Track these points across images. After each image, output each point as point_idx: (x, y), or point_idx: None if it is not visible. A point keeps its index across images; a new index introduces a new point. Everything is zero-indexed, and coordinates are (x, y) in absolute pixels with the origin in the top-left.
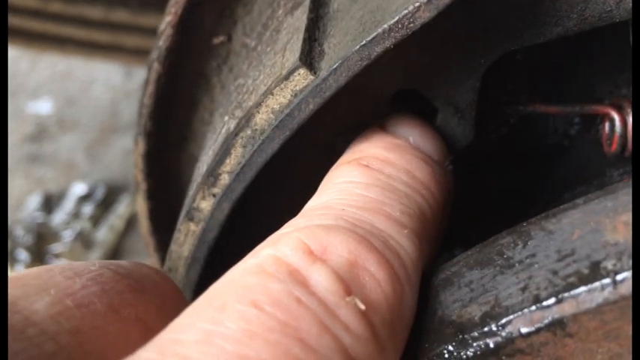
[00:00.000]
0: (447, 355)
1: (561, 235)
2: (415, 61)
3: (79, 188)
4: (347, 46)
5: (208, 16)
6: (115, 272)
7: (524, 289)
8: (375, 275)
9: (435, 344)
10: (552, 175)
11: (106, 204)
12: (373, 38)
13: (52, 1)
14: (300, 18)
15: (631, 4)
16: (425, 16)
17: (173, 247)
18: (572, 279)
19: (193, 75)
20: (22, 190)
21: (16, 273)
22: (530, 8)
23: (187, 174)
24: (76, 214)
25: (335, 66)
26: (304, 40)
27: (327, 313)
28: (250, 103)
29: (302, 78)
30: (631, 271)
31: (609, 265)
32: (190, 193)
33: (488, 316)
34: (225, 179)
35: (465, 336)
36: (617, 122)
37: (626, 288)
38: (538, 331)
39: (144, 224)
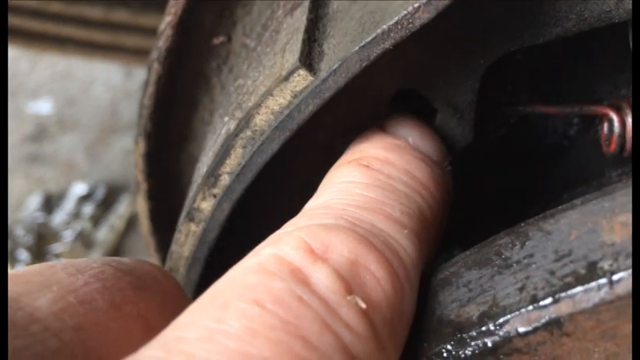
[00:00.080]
0: (445, 355)
1: (559, 235)
2: (414, 61)
3: (79, 188)
4: (346, 47)
5: (208, 16)
6: (116, 269)
7: (521, 289)
8: (375, 274)
9: (433, 343)
10: (551, 176)
11: (106, 204)
12: (372, 39)
13: (52, 1)
14: (299, 19)
15: (630, 5)
16: (424, 17)
17: (174, 247)
18: (569, 279)
19: (193, 75)
20: (23, 190)
21: (17, 270)
22: (529, 9)
23: (187, 174)
24: (76, 214)
25: (334, 67)
26: (304, 41)
27: (328, 311)
28: (250, 104)
29: (301, 79)
30: (628, 271)
31: (606, 265)
32: (191, 193)
33: (486, 316)
34: (225, 180)
35: (464, 335)
36: (615, 123)
37: (623, 288)
38: (535, 330)
39: (144, 224)
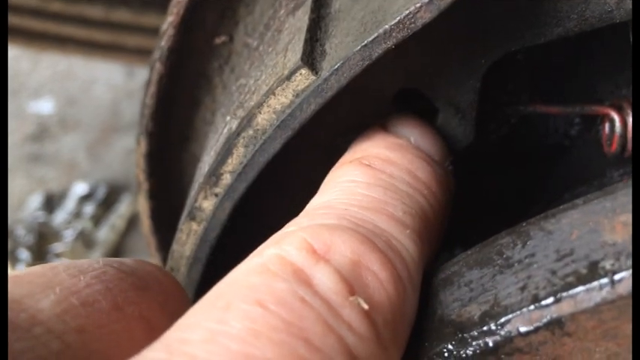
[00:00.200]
0: (446, 354)
1: (560, 235)
2: (416, 61)
3: (80, 188)
4: (348, 46)
5: (210, 16)
6: (118, 270)
7: (523, 289)
8: (377, 275)
9: (435, 343)
10: (553, 175)
11: (107, 203)
12: (374, 39)
13: (52, 0)
14: (301, 18)
15: (631, 5)
16: (426, 16)
17: (175, 246)
18: (570, 279)
19: (195, 75)
20: (24, 189)
21: (19, 271)
22: (530, 9)
23: (189, 174)
24: (77, 214)
25: (336, 66)
26: (306, 41)
27: (330, 312)
28: (252, 103)
29: (304, 78)
30: (629, 271)
31: (607, 265)
32: (192, 192)
33: (488, 316)
34: (227, 179)
35: (465, 335)
36: (617, 123)
37: (624, 288)
38: (537, 330)
39: (145, 223)
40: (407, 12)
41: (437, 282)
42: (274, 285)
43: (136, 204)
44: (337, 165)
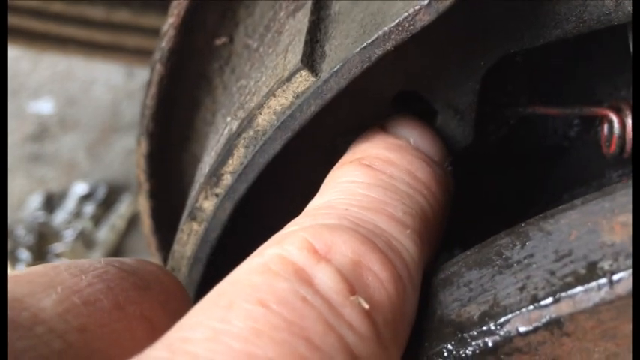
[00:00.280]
0: (446, 354)
1: (559, 235)
2: (415, 63)
3: (80, 188)
4: (348, 48)
5: (210, 17)
6: (120, 269)
7: (522, 289)
8: (378, 275)
9: (434, 343)
10: (551, 176)
11: (107, 204)
12: (374, 41)
13: (53, 1)
14: (301, 20)
15: (629, 8)
16: (425, 19)
17: (176, 246)
18: (569, 279)
19: (195, 76)
20: (24, 189)
21: (21, 270)
22: (529, 11)
23: (189, 174)
24: (77, 214)
25: (336, 68)
26: (306, 42)
27: (331, 312)
28: (252, 104)
29: (303, 79)
30: (628, 271)
31: (606, 265)
32: (193, 193)
33: (487, 315)
34: (227, 179)
35: (464, 335)
36: (615, 124)
37: (622, 288)
38: (536, 330)
39: (146, 223)
40: (406, 14)
41: (436, 282)
42: (276, 284)
43: (136, 204)
44: (337, 165)
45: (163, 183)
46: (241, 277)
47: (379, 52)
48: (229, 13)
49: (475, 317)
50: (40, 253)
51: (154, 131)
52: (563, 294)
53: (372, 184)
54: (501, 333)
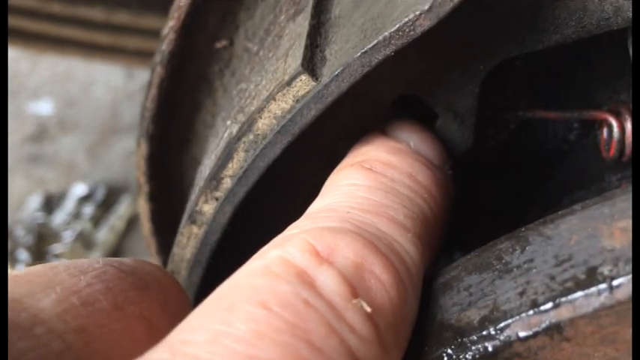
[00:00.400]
0: (446, 358)
1: (559, 240)
2: (415, 67)
3: (79, 189)
4: (348, 52)
5: (211, 20)
6: (118, 270)
7: (522, 294)
8: (380, 278)
9: (434, 347)
10: (551, 180)
11: (106, 205)
12: (374, 45)
13: (52, 2)
14: (302, 24)
15: (628, 14)
16: (425, 24)
17: (175, 249)
18: (569, 284)
19: (196, 79)
20: (23, 190)
21: (20, 271)
22: (529, 16)
23: (189, 177)
24: (76, 215)
25: (336, 72)
26: (306, 47)
27: (333, 314)
28: (253, 108)
29: (304, 84)
30: (628, 277)
31: (606, 270)
32: (193, 196)
33: (487, 320)
34: (227, 183)
35: (464, 339)
36: (614, 128)
37: (622, 293)
38: (535, 335)
39: (146, 226)
40: (406, 19)
41: (436, 286)
42: (278, 287)
43: (136, 205)
44: (338, 168)
45: (163, 185)
46: (243, 280)
47: (379, 56)
48: (230, 16)
49: (475, 322)
50: (39, 254)
51: (154, 133)
52: (563, 299)
53: (372, 186)
54: (501, 338)
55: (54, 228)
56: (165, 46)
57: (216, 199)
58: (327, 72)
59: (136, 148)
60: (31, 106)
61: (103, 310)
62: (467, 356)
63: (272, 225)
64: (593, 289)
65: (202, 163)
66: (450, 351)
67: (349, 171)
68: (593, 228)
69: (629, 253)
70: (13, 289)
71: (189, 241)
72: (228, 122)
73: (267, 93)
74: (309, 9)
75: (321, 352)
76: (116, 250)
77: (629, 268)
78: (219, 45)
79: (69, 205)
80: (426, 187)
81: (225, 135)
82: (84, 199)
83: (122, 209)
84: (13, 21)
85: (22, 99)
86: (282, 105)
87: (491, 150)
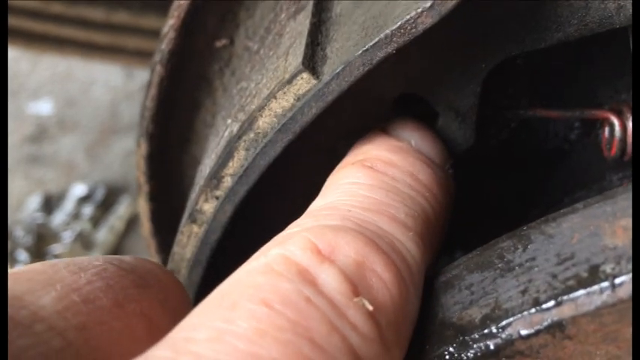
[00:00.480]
0: (447, 357)
1: (561, 238)
2: (416, 65)
3: (79, 189)
4: (349, 50)
5: (211, 19)
6: (118, 267)
7: (524, 292)
8: (381, 276)
9: (436, 346)
10: (552, 179)
11: (105, 205)
12: (375, 43)
13: (53, 2)
14: (302, 22)
15: (631, 11)
16: (427, 21)
17: (176, 248)
18: (571, 282)
19: (196, 78)
20: (22, 190)
21: (20, 268)
22: (531, 14)
23: (189, 176)
24: (76, 215)
25: (337, 70)
26: (307, 45)
27: (335, 313)
28: (253, 107)
29: (305, 82)
30: (630, 275)
31: (608, 268)
32: (193, 195)
33: (489, 319)
34: (227, 182)
35: (466, 338)
36: (616, 127)
37: (625, 291)
38: (537, 333)
39: (146, 226)
40: (408, 17)
41: (438, 285)
42: (279, 284)
43: (135, 205)
44: (339, 167)
45: (163, 185)
46: (244, 278)
47: (381, 54)
48: (230, 15)
49: (477, 320)
50: (39, 254)
51: (154, 133)
52: (565, 297)
53: (374, 185)
54: (503, 336)
55: (53, 228)
56: (165, 45)
57: (217, 197)
58: (328, 70)
59: (135, 147)
60: (31, 106)
61: (103, 307)
62: (469, 354)
63: (272, 224)
64: (596, 287)
65: (202, 162)
66: (451, 349)
67: (350, 169)
68: (595, 226)
69: (631, 251)
70: (14, 286)
71: (189, 240)
72: (229, 121)
73: (268, 91)
74: (309, 7)
75: (323, 349)
76: (116, 251)
77: (631, 266)
78: (219, 44)
79: (68, 205)
80: (427, 185)
81: (226, 134)
82: (83, 200)
83: (122, 209)
84: (12, 21)
85: (22, 99)
86: (282, 103)
87: (492, 149)
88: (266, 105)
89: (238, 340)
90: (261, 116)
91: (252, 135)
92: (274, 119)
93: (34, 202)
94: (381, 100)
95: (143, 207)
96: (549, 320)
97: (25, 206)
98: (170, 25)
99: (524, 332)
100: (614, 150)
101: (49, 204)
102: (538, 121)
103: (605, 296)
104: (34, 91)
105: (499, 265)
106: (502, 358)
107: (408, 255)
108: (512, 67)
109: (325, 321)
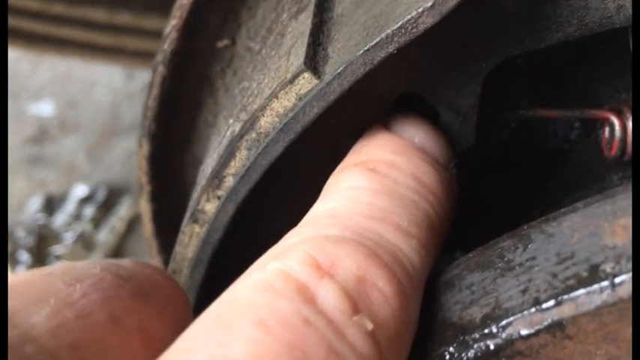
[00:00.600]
0: (447, 357)
1: (561, 238)
2: (417, 65)
3: (80, 190)
4: (351, 50)
5: (213, 19)
6: (116, 276)
7: (524, 292)
8: (382, 291)
9: (436, 346)
10: (552, 179)
11: (107, 206)
12: (377, 43)
13: (54, 3)
14: (304, 22)
15: (630, 11)
16: (428, 21)
17: (177, 248)
18: (571, 282)
19: (198, 78)
20: (24, 191)
21: (16, 277)
22: (531, 14)
23: (191, 176)
24: (77, 216)
25: (339, 70)
26: (309, 45)
27: (334, 333)
28: (255, 107)
29: (306, 82)
30: (630, 274)
31: (608, 268)
32: (195, 195)
33: (489, 318)
34: (229, 182)
35: (466, 337)
36: (616, 127)
37: (625, 291)
38: (538, 333)
39: (147, 226)
40: (409, 17)
41: (438, 285)
42: (278, 304)
43: (136, 206)
44: (340, 167)
45: (165, 185)
46: (242, 296)
47: (382, 54)
48: (231, 15)
49: (477, 320)
50: (40, 256)
51: (156, 133)
52: (565, 297)
53: (376, 190)
54: (503, 336)
55: (55, 229)
56: (167, 45)
57: (219, 197)
58: (329, 70)
59: (137, 148)
60: (32, 108)
61: (98, 323)
62: (469, 354)
63: (274, 223)
64: (596, 287)
65: (204, 161)
66: (451, 349)
67: (352, 172)
68: (595, 225)
69: (631, 251)
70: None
71: (191, 239)
72: (231, 121)
73: (270, 91)
74: (311, 7)
75: None
76: (117, 252)
77: (631, 265)
78: (221, 44)
79: (69, 206)
80: (431, 189)
81: (228, 133)
82: (84, 201)
83: (123, 210)
84: (13, 22)
85: (23, 100)
86: (284, 103)
87: (492, 149)
88: (268, 105)
89: None
90: (263, 116)
91: (254, 135)
92: (276, 119)
93: (35, 203)
94: (382, 99)
95: (145, 207)
96: (549, 320)
97: (26, 207)
98: (172, 25)
99: (524, 332)
100: (614, 150)
101: (51, 205)
102: (538, 121)
103: (605, 295)
104: (35, 92)
105: (499, 265)
106: (502, 358)
107: (410, 266)
108: (512, 67)
109: (324, 343)
